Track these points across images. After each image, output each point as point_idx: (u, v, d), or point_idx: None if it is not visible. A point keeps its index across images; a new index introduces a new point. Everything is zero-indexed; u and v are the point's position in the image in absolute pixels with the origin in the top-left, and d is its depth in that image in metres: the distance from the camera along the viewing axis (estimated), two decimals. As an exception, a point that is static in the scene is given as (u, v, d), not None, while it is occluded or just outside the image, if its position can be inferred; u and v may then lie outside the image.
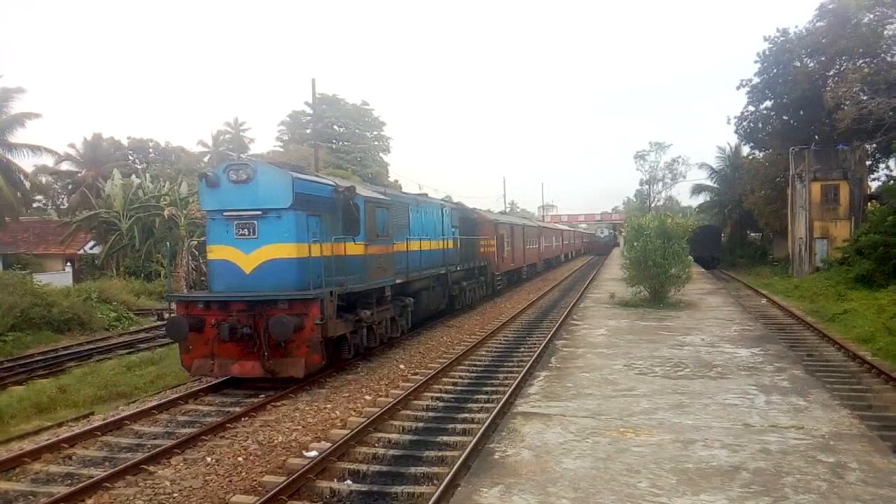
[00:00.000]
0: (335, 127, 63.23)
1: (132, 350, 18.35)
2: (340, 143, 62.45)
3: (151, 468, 8.30)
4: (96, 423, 10.26)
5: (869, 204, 33.89)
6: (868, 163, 36.27)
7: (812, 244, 34.12)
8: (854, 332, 17.47)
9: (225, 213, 12.10)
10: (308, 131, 57.71)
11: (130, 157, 60.66)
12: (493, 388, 12.09)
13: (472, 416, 10.39)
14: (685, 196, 77.14)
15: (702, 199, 62.94)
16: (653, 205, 79.19)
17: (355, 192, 13.88)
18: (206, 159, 60.88)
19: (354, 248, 13.78)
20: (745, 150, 50.67)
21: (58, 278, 30.74)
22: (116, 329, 22.85)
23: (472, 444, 8.26)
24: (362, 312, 13.68)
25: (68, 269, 37.98)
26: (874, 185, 37.39)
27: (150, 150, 63.52)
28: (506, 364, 14.40)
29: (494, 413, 9.61)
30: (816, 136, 36.94)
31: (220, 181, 12.09)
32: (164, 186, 38.47)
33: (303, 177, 12.85)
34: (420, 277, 17.84)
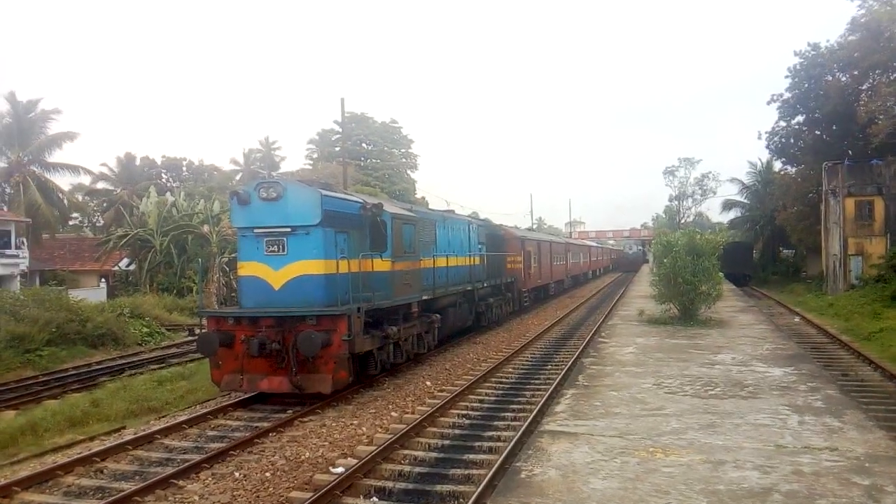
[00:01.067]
0: (363, 145, 63.89)
1: (164, 365, 18.61)
2: (369, 160, 63.02)
3: (181, 482, 8.39)
4: (127, 438, 10.43)
5: (905, 220, 33.17)
6: (904, 178, 35.54)
7: (846, 261, 33.44)
8: (891, 351, 17.05)
9: (255, 230, 12.28)
10: (337, 149, 58.34)
11: (164, 176, 61.92)
12: (520, 406, 12.02)
13: (499, 433, 10.34)
14: (715, 212, 75.99)
15: (732, 214, 62.15)
16: (682, 221, 78.38)
17: (383, 209, 13.99)
18: (237, 177, 61.89)
19: (382, 265, 13.86)
20: (777, 165, 50.07)
21: (93, 294, 31.38)
22: (149, 344, 23.23)
23: (498, 462, 8.21)
24: (389, 328, 13.72)
25: (103, 285, 38.75)
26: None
27: (184, 169, 64.76)
28: (532, 381, 14.32)
29: (521, 431, 9.54)
30: (850, 151, 36.36)
31: (250, 199, 12.28)
32: (197, 204, 39.18)
33: (331, 194, 12.99)
34: (447, 294, 17.85)
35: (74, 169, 36.39)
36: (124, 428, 11.66)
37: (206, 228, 33.40)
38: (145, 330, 24.39)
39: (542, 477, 6.17)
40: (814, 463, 6.43)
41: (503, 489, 5.97)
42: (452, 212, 22.65)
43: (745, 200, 58.91)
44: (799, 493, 5.68)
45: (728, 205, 61.95)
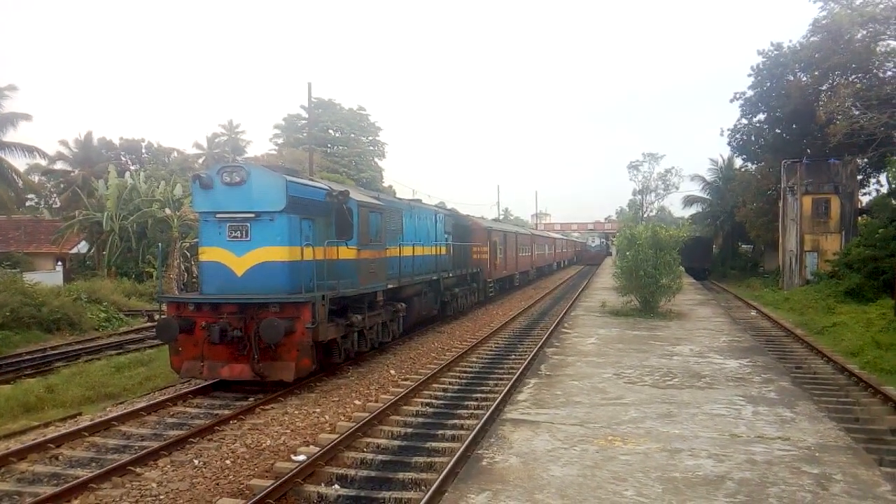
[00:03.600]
0: (330, 131, 63.23)
1: (122, 351, 18.27)
2: (335, 147, 62.43)
3: (138, 469, 8.28)
4: (84, 424, 10.22)
5: (860, 218, 34.16)
6: (859, 177, 36.53)
7: (802, 257, 34.33)
8: (842, 345, 17.58)
9: (218, 215, 12.09)
10: (303, 135, 57.68)
11: (123, 158, 60.45)
12: (483, 395, 12.12)
13: (462, 422, 10.42)
14: (677, 207, 77.21)
15: (694, 210, 63.23)
16: (645, 215, 79.45)
17: (349, 197, 13.90)
18: (200, 161, 60.74)
19: (347, 253, 13.79)
20: (738, 162, 51.06)
21: (49, 277, 30.55)
22: (106, 329, 22.75)
23: (460, 450, 8.27)
24: (354, 317, 13.68)
25: (59, 268, 37.77)
26: (865, 200, 37.69)
27: (143, 151, 63.32)
28: (496, 371, 14.43)
29: (483, 420, 9.62)
30: (808, 150, 37.23)
31: (213, 183, 12.08)
32: (158, 188, 38.37)
33: (296, 180, 12.85)
34: (412, 283, 17.86)
35: (30, 150, 35.25)
36: (80, 414, 11.42)
37: (166, 212, 32.76)
38: (103, 315, 23.87)
39: (503, 464, 6.23)
40: (766, 452, 6.61)
41: (464, 476, 6.01)
42: (420, 201, 22.61)
43: (707, 196, 59.95)
44: (751, 481, 5.83)
45: (689, 200, 62.99)
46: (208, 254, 12.31)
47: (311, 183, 13.92)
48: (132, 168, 55.04)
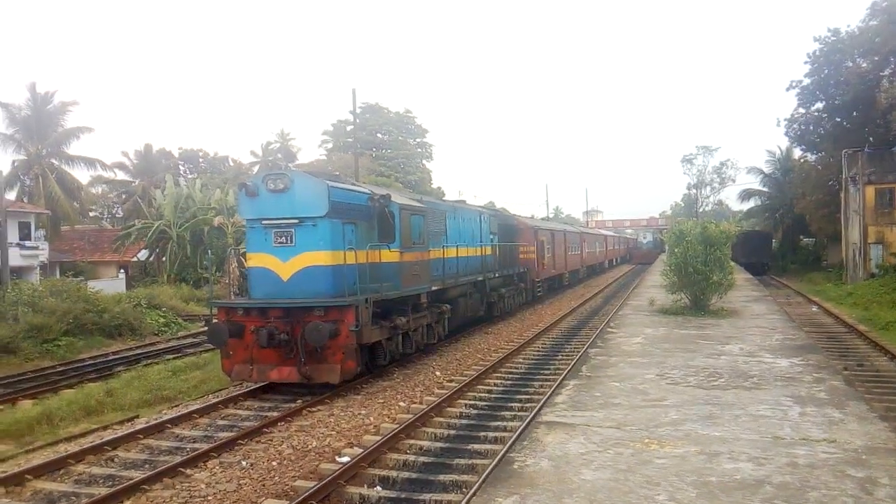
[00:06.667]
0: (378, 135, 63.88)
1: (179, 355, 18.87)
2: (383, 150, 63.05)
3: (188, 471, 8.56)
4: (139, 426, 10.64)
5: (926, 208, 32.65)
6: (926, 165, 34.94)
7: (867, 249, 32.99)
8: (908, 341, 16.84)
9: (263, 222, 12.40)
10: (351, 140, 58.49)
11: (181, 167, 62.46)
12: (528, 397, 12.07)
13: (505, 423, 10.42)
14: (734, 200, 74.57)
15: (752, 203, 61.32)
16: (700, 209, 77.47)
17: (390, 200, 14.04)
18: (255, 168, 62.26)
19: (390, 256, 13.94)
20: (797, 152, 49.44)
21: (111, 285, 31.82)
22: (165, 334, 23.57)
23: (502, 452, 8.27)
24: (398, 319, 13.82)
25: (121, 275, 39.25)
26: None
27: (200, 160, 65.23)
28: (542, 372, 14.37)
29: (527, 422, 9.58)
30: (870, 138, 35.76)
31: (258, 190, 12.40)
32: (213, 195, 39.52)
33: (338, 185, 13.08)
34: (457, 284, 17.89)
35: (91, 162, 36.90)
36: (137, 417, 11.89)
37: (219, 219, 33.74)
38: (162, 320, 24.74)
39: (533, 468, 6.21)
40: (810, 455, 6.41)
41: (494, 480, 6.02)
42: (464, 202, 22.67)
43: (765, 189, 58.16)
44: (791, 485, 5.67)
45: (746, 194, 61.08)
46: (255, 260, 12.65)
47: (352, 188, 14.14)
48: (190, 177, 56.84)
